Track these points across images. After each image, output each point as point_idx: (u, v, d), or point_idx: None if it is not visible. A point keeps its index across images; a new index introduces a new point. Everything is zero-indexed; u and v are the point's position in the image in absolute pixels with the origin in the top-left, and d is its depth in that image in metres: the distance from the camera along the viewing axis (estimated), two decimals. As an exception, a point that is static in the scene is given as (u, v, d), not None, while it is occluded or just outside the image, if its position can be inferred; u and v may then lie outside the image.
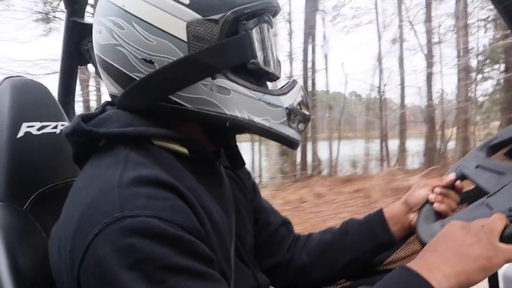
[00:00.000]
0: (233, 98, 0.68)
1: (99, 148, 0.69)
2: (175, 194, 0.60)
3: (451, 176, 0.93)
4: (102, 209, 0.56)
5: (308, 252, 0.98)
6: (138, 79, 0.68)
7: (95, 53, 0.74)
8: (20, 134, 0.87)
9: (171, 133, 0.69)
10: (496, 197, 0.77)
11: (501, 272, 1.17)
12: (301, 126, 0.75)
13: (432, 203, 0.90)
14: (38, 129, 0.91)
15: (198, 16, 0.66)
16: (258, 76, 0.73)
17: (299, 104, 0.74)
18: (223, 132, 0.75)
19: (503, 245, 0.64)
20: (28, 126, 0.89)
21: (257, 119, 0.70)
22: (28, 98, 0.92)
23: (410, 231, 0.94)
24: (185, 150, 0.71)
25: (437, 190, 0.91)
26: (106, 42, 0.70)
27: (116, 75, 0.70)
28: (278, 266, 0.98)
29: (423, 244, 0.83)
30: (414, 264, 0.67)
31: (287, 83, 0.76)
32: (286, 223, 1.03)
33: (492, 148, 0.95)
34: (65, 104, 1.20)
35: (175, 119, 0.71)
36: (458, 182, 0.93)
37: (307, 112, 0.75)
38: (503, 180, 0.79)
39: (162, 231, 0.55)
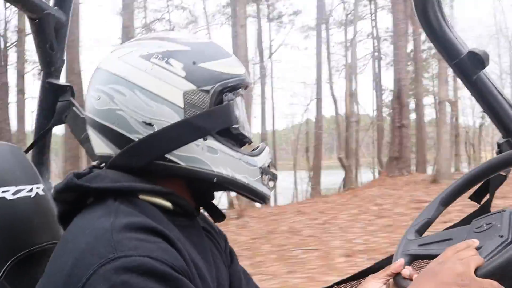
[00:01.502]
0: (220, 157, 0.78)
1: (87, 206, 0.74)
2: (162, 239, 0.66)
3: (400, 261, 0.90)
4: (97, 252, 0.61)
5: None
6: (136, 140, 0.76)
7: (89, 118, 0.81)
8: (-6, 200, 0.86)
9: (156, 188, 0.76)
10: None
11: None
12: (271, 183, 0.86)
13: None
14: (13, 194, 0.90)
15: (193, 86, 0.77)
16: (237, 140, 0.84)
17: (268, 164, 0.85)
18: (206, 189, 0.85)
19: (478, 278, 0.70)
20: (2, 192, 0.88)
21: (238, 176, 0.80)
22: (2, 163, 0.91)
23: None
24: (168, 204, 0.77)
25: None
26: (105, 107, 0.77)
27: (114, 137, 0.77)
28: None
29: None
30: None
31: (258, 146, 0.88)
32: None
33: (419, 231, 0.98)
34: (39, 164, 1.20)
35: (164, 176, 0.78)
36: (409, 271, 0.88)
37: (275, 172, 0.88)
38: (454, 242, 0.82)
39: (153, 268, 0.60)
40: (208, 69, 0.79)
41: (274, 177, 0.87)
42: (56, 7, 1.20)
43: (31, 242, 0.91)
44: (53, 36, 1.18)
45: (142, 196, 0.74)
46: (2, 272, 0.83)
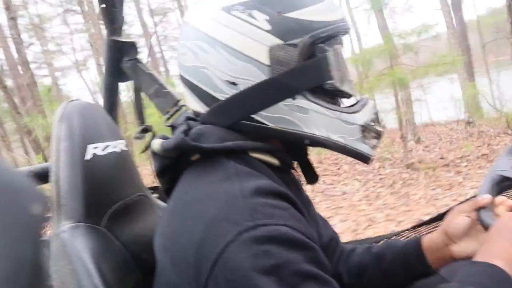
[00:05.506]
0: (312, 117, 0.73)
1: (194, 162, 0.73)
2: (290, 204, 0.64)
3: (487, 197, 0.85)
4: (232, 219, 0.59)
5: (348, 271, 0.98)
6: (222, 99, 0.73)
7: (180, 73, 0.80)
8: (89, 156, 0.90)
9: (264, 146, 0.74)
10: None
11: None
12: (374, 141, 0.78)
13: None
14: (103, 150, 0.94)
15: (279, 41, 0.71)
16: (334, 95, 0.77)
17: (372, 120, 0.78)
18: (301, 147, 0.81)
19: None
20: (94, 148, 0.92)
21: (334, 137, 0.74)
22: (90, 121, 0.95)
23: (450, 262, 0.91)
24: (276, 161, 0.75)
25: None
26: (191, 64, 0.76)
27: (201, 95, 0.76)
28: None
29: None
30: (475, 258, 0.72)
31: (360, 100, 0.81)
32: (334, 236, 1.04)
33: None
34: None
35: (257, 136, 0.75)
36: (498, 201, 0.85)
37: (379, 129, 0.79)
38: None
39: (293, 237, 0.58)
40: (296, 19, 0.71)
41: (378, 135, 0.79)
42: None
43: (123, 194, 0.97)
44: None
45: (251, 154, 0.73)
46: (104, 221, 0.88)
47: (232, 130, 0.74)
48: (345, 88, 0.77)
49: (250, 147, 0.73)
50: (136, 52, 1.24)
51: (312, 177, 0.88)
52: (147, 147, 1.07)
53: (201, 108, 0.77)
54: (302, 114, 0.73)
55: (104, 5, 1.19)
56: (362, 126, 0.76)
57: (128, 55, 1.23)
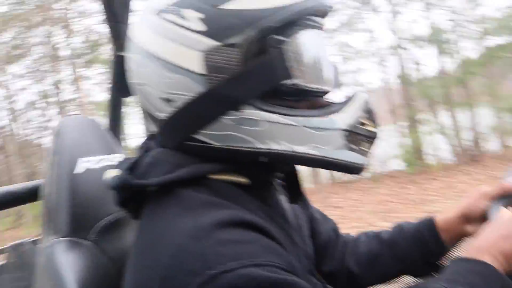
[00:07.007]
0: (267, 130, 0.60)
1: (152, 193, 0.64)
2: (258, 233, 0.55)
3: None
4: (188, 269, 0.50)
5: (357, 261, 0.94)
6: (163, 118, 0.64)
7: None
8: (80, 170, 0.91)
9: (225, 166, 0.64)
10: None
11: None
12: (366, 146, 0.64)
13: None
14: (97, 163, 0.95)
15: (215, 42, 0.58)
16: (301, 96, 0.63)
17: (360, 120, 0.64)
18: (268, 165, 0.67)
19: None
20: (86, 162, 0.93)
21: (302, 149, 0.60)
22: (83, 135, 0.96)
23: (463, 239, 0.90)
24: (244, 180, 0.65)
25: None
26: (132, 80, 0.67)
27: (146, 114, 0.68)
28: (329, 275, 0.92)
29: None
30: (463, 253, 0.69)
31: (344, 96, 0.67)
32: (334, 228, 0.99)
33: None
34: (114, 135, 1.25)
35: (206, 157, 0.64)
36: None
37: (372, 129, 0.65)
38: None
39: (264, 279, 0.49)
40: (233, 10, 0.58)
41: (370, 137, 0.64)
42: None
43: (115, 208, 0.97)
44: (121, 10, 1.21)
45: (213, 176, 0.63)
46: (91, 235, 0.88)
47: (187, 153, 0.64)
48: (318, 84, 0.63)
49: (207, 171, 0.62)
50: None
51: (295, 194, 0.77)
52: None
53: (152, 128, 0.69)
54: (252, 128, 0.60)
55: (110, 22, 1.21)
56: (345, 129, 0.62)
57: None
